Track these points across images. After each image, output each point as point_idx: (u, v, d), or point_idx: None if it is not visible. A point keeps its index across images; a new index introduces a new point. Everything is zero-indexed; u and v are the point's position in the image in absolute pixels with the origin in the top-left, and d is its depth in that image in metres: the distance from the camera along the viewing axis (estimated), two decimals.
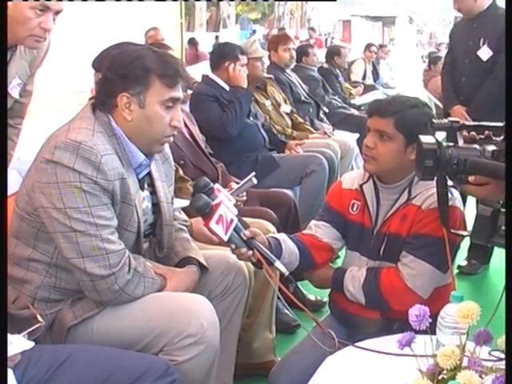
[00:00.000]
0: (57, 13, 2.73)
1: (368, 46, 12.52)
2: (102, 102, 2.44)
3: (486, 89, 4.68)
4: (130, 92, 2.39)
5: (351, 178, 2.71)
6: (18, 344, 1.98)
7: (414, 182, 2.51)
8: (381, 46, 13.92)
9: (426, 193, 2.47)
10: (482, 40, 4.64)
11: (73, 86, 5.84)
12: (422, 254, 2.45)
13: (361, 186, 2.63)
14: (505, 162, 1.82)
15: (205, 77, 5.06)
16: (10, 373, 1.95)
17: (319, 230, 2.69)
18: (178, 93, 2.45)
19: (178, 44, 9.51)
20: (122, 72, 2.39)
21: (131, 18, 7.93)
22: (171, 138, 2.53)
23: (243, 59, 4.96)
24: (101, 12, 7.27)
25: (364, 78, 11.39)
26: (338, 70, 9.01)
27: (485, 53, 4.66)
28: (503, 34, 3.73)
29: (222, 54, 5.02)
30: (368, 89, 10.30)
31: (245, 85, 4.93)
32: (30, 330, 2.04)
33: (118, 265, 2.36)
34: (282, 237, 2.63)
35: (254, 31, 20.52)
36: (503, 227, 1.89)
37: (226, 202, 2.43)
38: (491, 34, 4.57)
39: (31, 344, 2.00)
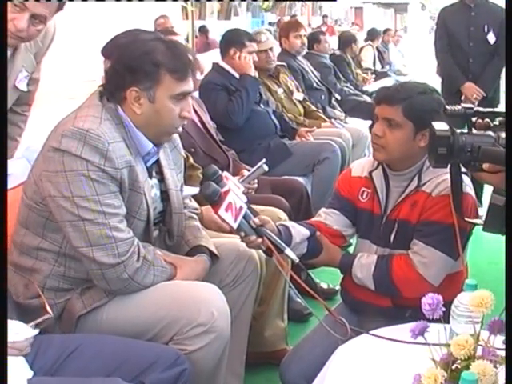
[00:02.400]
0: (36, 17, 2.67)
1: (373, 32, 12.40)
2: (111, 93, 2.42)
3: (495, 66, 5.61)
4: (139, 87, 2.37)
5: (361, 166, 2.70)
6: (22, 332, 1.97)
7: (424, 168, 2.50)
8: (385, 31, 13.75)
9: (436, 180, 2.45)
10: (486, 27, 5.58)
11: (84, 74, 5.85)
12: (433, 242, 2.43)
13: (370, 173, 2.61)
14: (505, 157, 1.79)
15: (215, 65, 5.02)
16: (22, 359, 1.95)
17: (329, 217, 2.67)
18: (189, 86, 2.43)
19: (189, 32, 9.50)
20: (131, 66, 2.37)
21: (142, 6, 7.92)
22: (180, 129, 2.51)
23: (251, 46, 4.89)
24: (114, 2, 7.28)
25: (374, 64, 11.32)
26: (349, 57, 8.95)
27: (492, 38, 5.61)
28: (502, 23, 5.13)
29: (228, 41, 4.98)
30: (380, 76, 10.23)
31: (252, 72, 4.89)
32: (37, 321, 2.03)
33: (127, 253, 2.35)
34: (291, 224, 2.62)
35: (263, 22, 20.44)
36: None
37: (234, 189, 2.41)
38: (493, 23, 5.55)
39: (35, 331, 1.99)
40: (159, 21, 7.51)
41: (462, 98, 5.62)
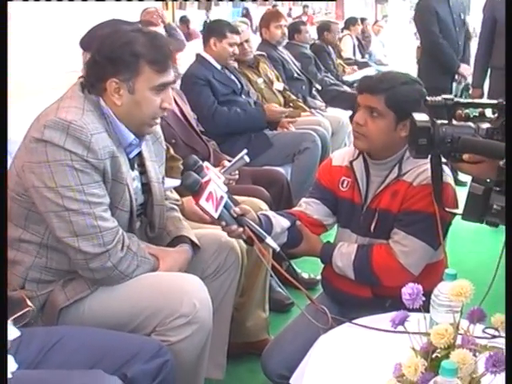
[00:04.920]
0: None
1: (352, 21, 12.41)
2: (92, 84, 2.41)
3: (469, 47, 6.84)
4: (119, 77, 2.36)
5: (341, 155, 2.70)
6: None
7: (405, 158, 2.50)
8: (362, 20, 13.74)
9: (417, 169, 2.47)
10: (461, 14, 6.56)
11: (66, 65, 5.81)
12: (414, 231, 2.44)
13: (351, 162, 2.62)
14: (505, 151, 1.80)
15: (198, 56, 5.02)
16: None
17: (309, 207, 2.68)
18: (169, 77, 2.42)
19: (170, 22, 9.44)
20: (110, 56, 2.36)
21: None
22: (159, 120, 2.51)
23: (232, 38, 4.91)
24: None
25: (354, 54, 11.32)
26: (330, 47, 8.94)
27: (466, 23, 6.74)
28: (466, 10, 6.83)
29: (209, 31, 5.00)
30: (361, 66, 10.23)
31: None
32: (18, 314, 2.02)
33: (112, 242, 2.35)
34: (272, 213, 2.63)
35: (246, 9, 20.33)
36: (495, 206, 1.87)
37: (215, 179, 2.43)
38: (463, 11, 6.64)
39: (17, 333, 1.98)
40: (150, 9, 7.34)
41: (456, 77, 6.54)
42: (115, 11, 6.96)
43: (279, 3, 21.62)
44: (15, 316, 1.99)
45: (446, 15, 6.43)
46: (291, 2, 25.40)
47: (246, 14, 16.87)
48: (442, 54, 6.43)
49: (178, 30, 9.16)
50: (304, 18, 16.60)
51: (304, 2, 25.25)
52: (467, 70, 6.47)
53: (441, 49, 6.41)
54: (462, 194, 2.04)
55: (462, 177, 5.25)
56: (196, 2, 19.20)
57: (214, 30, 4.95)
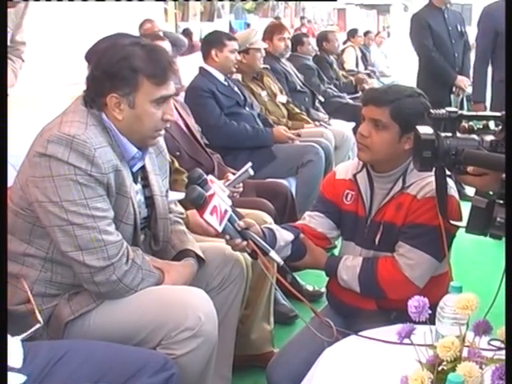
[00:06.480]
0: None
1: (352, 33, 12.44)
2: (92, 99, 2.41)
3: (469, 58, 6.62)
4: (118, 92, 2.36)
5: (345, 169, 2.71)
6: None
7: (409, 170, 2.50)
8: (365, 33, 13.79)
9: (421, 182, 2.47)
10: (458, 26, 6.51)
11: (66, 77, 5.84)
12: (419, 244, 2.44)
13: (354, 175, 2.62)
14: (505, 161, 1.80)
15: (201, 68, 5.03)
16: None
17: (313, 220, 2.69)
18: (169, 90, 2.42)
19: None
20: (109, 72, 2.36)
21: (124, 7, 7.88)
22: (163, 131, 2.51)
23: (231, 45, 4.95)
24: (96, 3, 7.24)
25: (357, 65, 11.33)
26: (331, 58, 8.94)
27: (465, 34, 6.66)
28: (464, 22, 6.69)
29: (208, 42, 5.02)
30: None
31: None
32: (29, 332, 2.01)
33: (117, 256, 2.35)
34: (276, 227, 2.63)
35: (246, 23, 20.46)
36: (499, 218, 1.88)
37: (219, 193, 2.43)
38: (461, 22, 6.61)
39: (19, 363, 1.96)
40: (146, 26, 7.26)
41: (454, 89, 6.44)
42: (114, 20, 6.98)
43: (281, 15, 21.73)
44: (28, 333, 1.99)
45: (440, 27, 6.43)
46: (293, 14, 25.50)
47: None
48: (436, 68, 6.41)
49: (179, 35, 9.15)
50: (304, 30, 16.62)
51: (307, 14, 25.31)
52: (464, 81, 6.43)
53: (434, 62, 6.39)
54: (468, 209, 2.04)
55: (469, 191, 5.24)
56: (198, 14, 19.26)
57: (213, 41, 4.97)
